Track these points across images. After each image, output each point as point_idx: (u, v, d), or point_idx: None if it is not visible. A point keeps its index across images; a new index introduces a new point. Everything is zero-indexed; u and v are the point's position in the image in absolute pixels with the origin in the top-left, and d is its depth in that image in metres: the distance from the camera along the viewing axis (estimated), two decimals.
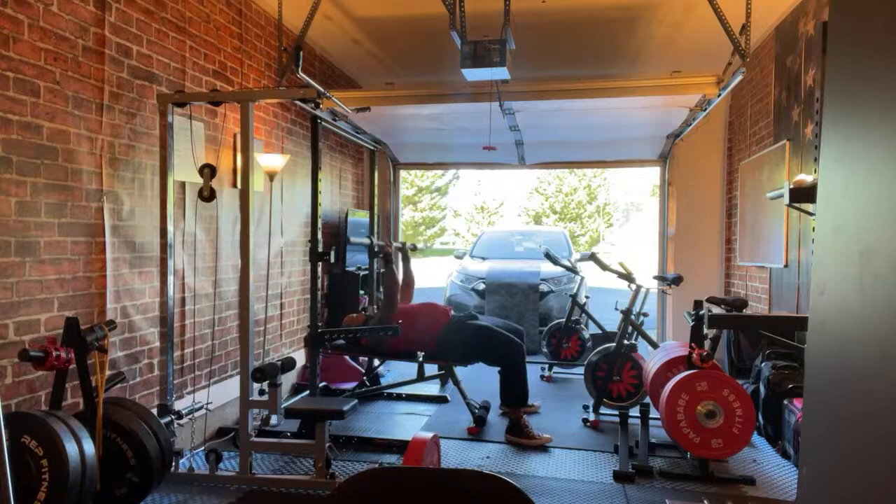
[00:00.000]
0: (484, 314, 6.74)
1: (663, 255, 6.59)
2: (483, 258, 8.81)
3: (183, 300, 3.74)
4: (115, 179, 3.18)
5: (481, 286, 7.69)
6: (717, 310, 4.16)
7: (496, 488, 1.18)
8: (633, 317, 4.66)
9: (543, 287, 7.54)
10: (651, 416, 4.02)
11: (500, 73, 3.54)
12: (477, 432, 4.16)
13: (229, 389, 4.11)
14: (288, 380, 5.08)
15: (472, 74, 3.58)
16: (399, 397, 4.98)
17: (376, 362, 5.23)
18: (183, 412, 3.38)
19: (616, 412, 4.27)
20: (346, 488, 1.24)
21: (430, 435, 2.58)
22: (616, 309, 4.82)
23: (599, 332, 5.79)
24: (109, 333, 2.75)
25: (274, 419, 3.29)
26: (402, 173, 9.01)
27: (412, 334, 4.29)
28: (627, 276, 4.87)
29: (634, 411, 4.24)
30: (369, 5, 4.77)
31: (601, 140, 5.85)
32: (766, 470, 3.52)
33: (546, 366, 5.94)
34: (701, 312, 3.58)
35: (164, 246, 3.42)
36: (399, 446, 3.80)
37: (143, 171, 3.40)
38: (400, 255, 5.26)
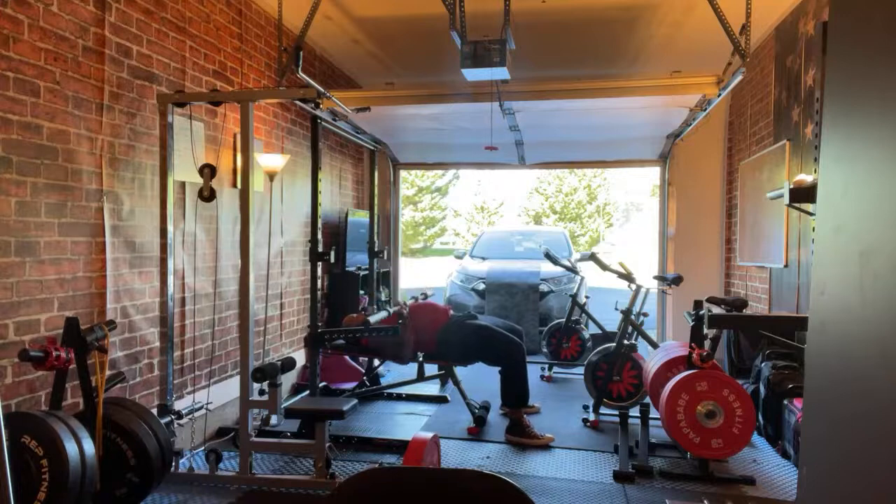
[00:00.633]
0: (484, 314, 6.74)
1: (663, 255, 6.59)
2: (483, 258, 8.81)
3: (183, 300, 3.74)
4: (115, 179, 3.18)
5: (481, 286, 7.69)
6: (717, 310, 4.16)
7: (496, 488, 1.18)
8: (633, 317, 4.66)
9: (543, 287, 7.54)
10: (651, 416, 4.02)
11: (500, 73, 3.54)
12: (477, 432, 4.15)
13: (229, 389, 4.11)
14: (288, 380, 5.08)
15: (472, 74, 3.58)
16: (399, 397, 4.98)
17: (376, 362, 5.23)
18: (183, 412, 3.37)
19: (616, 412, 4.27)
20: (346, 488, 1.24)
21: (430, 435, 2.58)
22: (616, 309, 4.82)
23: (599, 332, 5.79)
24: (109, 333, 2.75)
25: (274, 419, 3.29)
26: (402, 173, 9.01)
27: (412, 334, 4.28)
28: (627, 276, 4.87)
29: (634, 411, 4.24)
30: (369, 5, 4.77)
31: (601, 140, 5.85)
32: (766, 470, 3.52)
33: (546, 366, 5.94)
34: (701, 312, 3.58)
35: (164, 246, 3.42)
36: (399, 446, 3.80)
37: (143, 171, 3.40)
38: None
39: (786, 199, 3.32)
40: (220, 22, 4.09)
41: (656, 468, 3.52)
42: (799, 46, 4.37)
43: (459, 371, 4.51)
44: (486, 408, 4.45)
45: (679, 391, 3.37)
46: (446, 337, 4.25)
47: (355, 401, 3.35)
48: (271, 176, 4.58)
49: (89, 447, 2.36)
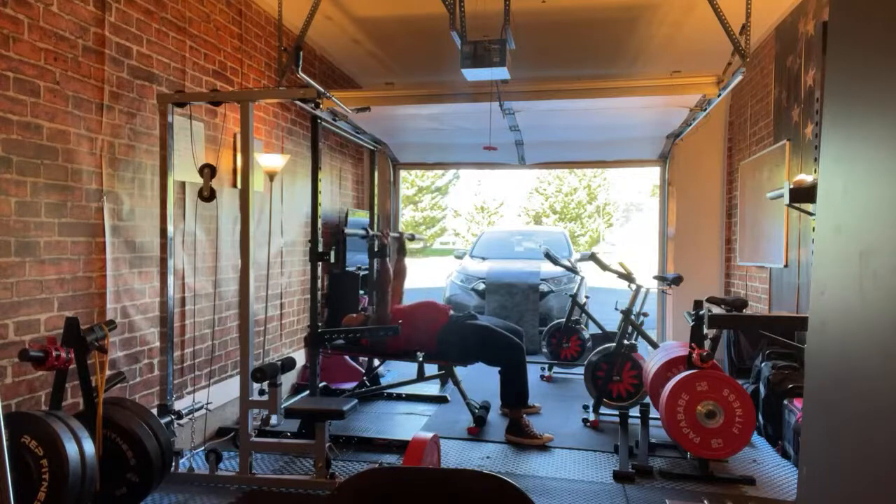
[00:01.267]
0: (484, 314, 6.74)
1: (663, 255, 6.59)
2: (483, 258, 8.81)
3: (183, 300, 3.74)
4: (115, 179, 3.18)
5: (481, 286, 7.69)
6: (717, 310, 4.16)
7: (496, 488, 1.18)
8: (633, 317, 4.66)
9: (543, 287, 7.54)
10: (651, 416, 4.02)
11: (500, 73, 3.54)
12: (477, 432, 4.16)
13: (229, 389, 4.11)
14: (288, 380, 5.08)
15: (472, 74, 3.58)
16: (399, 397, 4.98)
17: (376, 362, 5.23)
18: (183, 412, 3.38)
19: (616, 412, 4.27)
20: (346, 488, 1.24)
21: (430, 435, 2.57)
22: (616, 309, 4.82)
23: (599, 332, 5.79)
24: (109, 333, 2.75)
25: (274, 419, 3.29)
26: (402, 173, 9.01)
27: (412, 334, 4.29)
28: (627, 276, 4.87)
29: (634, 411, 4.25)
30: (369, 5, 4.77)
31: (601, 140, 5.85)
32: (766, 470, 3.52)
33: (546, 366, 5.94)
34: (701, 312, 3.58)
35: (164, 246, 3.42)
36: (399, 446, 3.80)
37: (143, 171, 3.40)
38: (395, 245, 5.22)
39: (786, 199, 3.32)
40: (220, 22, 4.09)
41: (656, 468, 3.52)
42: (799, 46, 4.37)
43: (459, 371, 4.51)
44: (486, 408, 4.45)
45: (679, 391, 3.37)
46: (446, 337, 4.25)
47: (355, 401, 3.35)
48: (271, 176, 4.58)
49: (89, 447, 2.36)
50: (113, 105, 3.15)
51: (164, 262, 3.42)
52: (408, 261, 5.16)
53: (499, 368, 4.15)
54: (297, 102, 4.50)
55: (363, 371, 5.23)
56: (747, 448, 3.67)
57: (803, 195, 3.24)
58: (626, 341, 4.55)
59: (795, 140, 4.36)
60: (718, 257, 6.41)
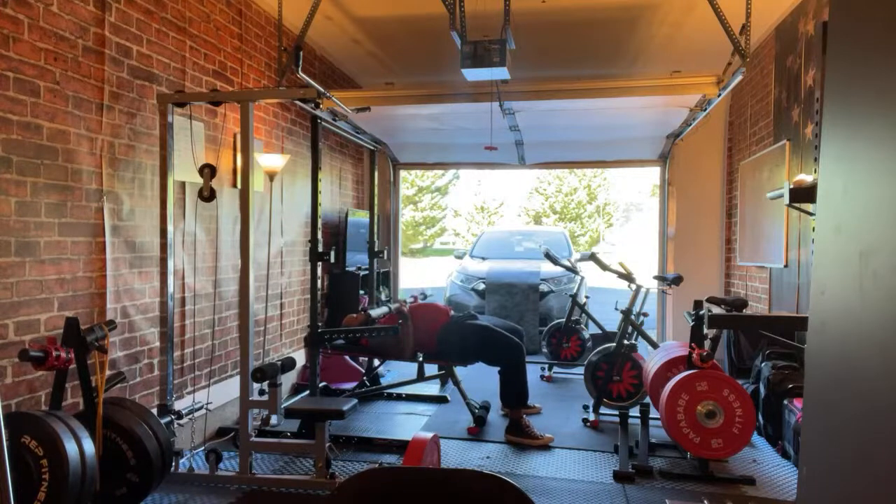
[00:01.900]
0: (484, 314, 6.74)
1: (663, 255, 6.59)
2: (483, 258, 8.81)
3: (183, 300, 3.74)
4: (115, 179, 3.18)
5: (481, 286, 7.69)
6: (717, 310, 4.16)
7: (496, 488, 1.18)
8: (633, 317, 4.66)
9: (543, 287, 7.54)
10: (651, 416, 4.02)
11: (500, 73, 3.54)
12: (477, 432, 4.16)
13: (229, 389, 4.11)
14: (288, 380, 5.08)
15: (472, 74, 3.58)
16: (399, 397, 4.98)
17: (376, 362, 5.23)
18: (183, 412, 3.37)
19: (616, 412, 4.27)
20: (346, 488, 1.24)
21: (430, 435, 2.57)
22: (616, 309, 4.81)
23: (599, 332, 5.79)
24: (109, 333, 2.75)
25: (274, 419, 3.29)
26: (402, 173, 9.01)
27: (412, 334, 4.28)
28: (627, 276, 4.87)
29: (634, 411, 4.24)
30: (369, 5, 4.77)
31: (601, 140, 5.85)
32: (766, 470, 3.52)
33: (546, 366, 5.94)
34: (701, 312, 3.58)
35: (164, 246, 3.42)
36: (399, 446, 3.80)
37: (143, 171, 3.40)
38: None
39: (786, 199, 3.32)
40: (220, 22, 4.09)
41: (656, 468, 3.52)
42: (799, 46, 4.37)
43: (459, 371, 4.51)
44: (486, 408, 4.45)
45: (679, 391, 3.37)
46: (446, 337, 4.25)
47: (355, 401, 3.35)
48: (271, 176, 4.59)
49: (89, 447, 2.36)
50: (113, 105, 3.15)
51: (164, 262, 3.42)
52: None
53: (499, 368, 4.15)
54: (297, 102, 4.50)
55: (363, 371, 5.23)
56: (747, 448, 3.67)
57: (803, 195, 3.24)
58: (626, 341, 4.55)
59: (795, 140, 4.36)
60: (718, 257, 6.41)
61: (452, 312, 4.52)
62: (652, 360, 4.10)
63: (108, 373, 2.78)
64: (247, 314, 3.31)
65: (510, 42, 3.50)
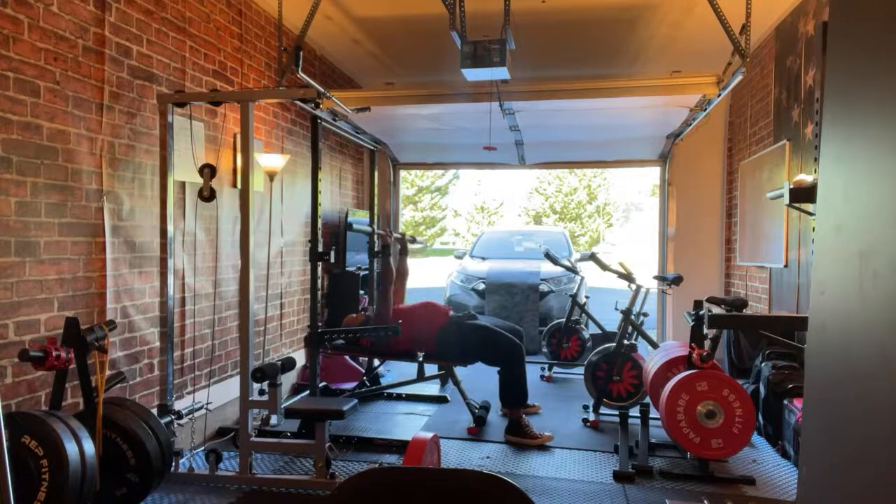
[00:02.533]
0: (484, 314, 6.74)
1: (663, 255, 6.59)
2: (483, 258, 8.81)
3: (183, 300, 3.74)
4: (115, 179, 3.18)
5: (481, 286, 7.69)
6: (717, 310, 4.16)
7: (496, 488, 1.18)
8: (633, 317, 4.66)
9: (543, 287, 7.54)
10: (651, 416, 4.01)
11: (500, 73, 3.54)
12: (477, 432, 4.16)
13: (229, 389, 4.11)
14: (288, 380, 5.08)
15: (472, 74, 3.58)
16: (399, 397, 4.98)
17: (376, 362, 5.23)
18: (183, 412, 3.38)
19: (616, 412, 4.27)
20: (346, 488, 1.24)
21: (430, 435, 2.58)
22: (616, 309, 4.81)
23: (599, 332, 5.79)
24: (109, 333, 2.75)
25: (274, 419, 3.29)
26: (402, 173, 9.01)
27: (412, 334, 4.29)
28: (627, 276, 4.87)
29: (634, 411, 4.24)
30: (369, 5, 4.77)
31: (601, 140, 5.84)
32: (766, 470, 3.52)
33: (546, 366, 5.94)
34: (701, 312, 3.58)
35: (164, 246, 3.42)
36: (399, 446, 3.80)
37: (143, 171, 3.40)
38: (398, 247, 5.19)
39: (786, 199, 3.32)
40: (220, 22, 4.09)
41: (656, 468, 3.52)
42: (799, 46, 4.37)
43: (459, 371, 4.51)
44: (486, 408, 4.45)
45: (679, 391, 3.37)
46: (446, 337, 4.25)
47: (355, 401, 3.35)
48: (271, 176, 4.59)
49: (89, 447, 2.36)
50: (113, 105, 3.15)
51: (164, 262, 3.42)
52: (409, 261, 5.15)
53: (498, 368, 4.15)
54: (297, 102, 4.50)
55: (363, 371, 5.23)
56: (747, 448, 3.67)
57: (803, 195, 3.24)
58: (626, 341, 4.55)
59: (795, 140, 4.36)
60: (718, 257, 6.41)
61: (452, 312, 4.52)
62: (652, 360, 4.10)
63: (108, 373, 2.78)
64: (247, 314, 3.31)
65: (510, 42, 3.50)
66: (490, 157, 5.97)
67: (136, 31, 3.31)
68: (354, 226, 5.13)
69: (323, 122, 4.41)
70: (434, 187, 34.59)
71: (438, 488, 1.23)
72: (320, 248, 4.15)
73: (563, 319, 6.03)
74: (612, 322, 5.33)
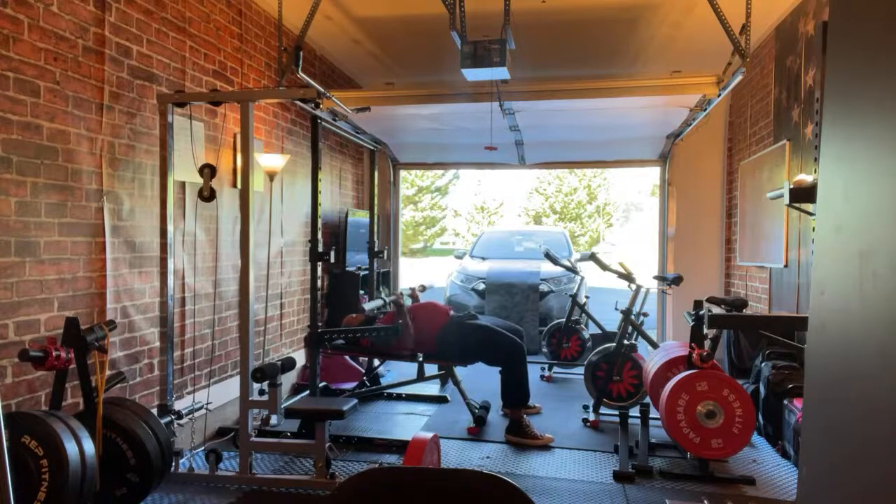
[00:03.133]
0: (484, 314, 6.74)
1: (663, 255, 6.59)
2: (483, 258, 8.81)
3: (183, 300, 3.74)
4: (115, 179, 3.18)
5: (481, 286, 7.69)
6: (717, 310, 4.16)
7: (496, 488, 1.18)
8: (633, 317, 4.66)
9: (543, 287, 7.54)
10: (651, 416, 4.01)
11: (500, 73, 3.54)
12: (477, 432, 4.15)
13: (229, 389, 4.11)
14: (288, 380, 5.08)
15: (472, 74, 3.58)
16: (399, 397, 4.98)
17: (376, 362, 5.23)
18: (183, 412, 3.38)
19: (616, 412, 4.27)
20: (346, 488, 1.24)
21: (430, 435, 2.58)
22: (616, 309, 4.81)
23: (599, 332, 5.78)
24: (109, 333, 2.75)
25: (274, 419, 3.29)
26: (402, 173, 9.01)
27: (412, 334, 4.28)
28: (627, 276, 4.87)
29: (634, 411, 4.24)
30: (369, 5, 4.77)
31: (601, 140, 5.85)
32: (766, 470, 3.52)
33: (546, 366, 5.94)
34: (701, 312, 3.58)
35: (164, 246, 3.42)
36: (399, 446, 3.80)
37: (143, 171, 3.40)
38: (410, 302, 4.98)
39: (786, 199, 3.32)
40: (220, 22, 4.09)
41: (656, 468, 3.52)
42: (799, 46, 4.37)
43: (459, 371, 4.50)
44: (486, 408, 4.45)
45: (679, 391, 3.37)
46: (446, 337, 4.25)
47: (355, 401, 3.35)
48: (271, 176, 4.59)
49: (89, 447, 2.36)
50: (113, 105, 3.15)
51: (164, 262, 3.42)
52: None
53: (499, 368, 4.15)
54: (297, 102, 4.50)
55: (363, 371, 5.23)
56: (747, 448, 3.67)
57: (803, 195, 3.24)
58: (626, 341, 4.55)
59: (795, 140, 4.36)
60: (718, 257, 6.41)
61: (452, 312, 4.52)
62: (652, 360, 4.10)
63: (108, 373, 2.78)
64: (247, 314, 3.31)
65: (510, 42, 3.50)
66: (490, 157, 5.97)
67: (136, 31, 3.31)
68: (367, 308, 4.60)
69: (323, 122, 4.41)
70: (434, 187, 34.59)
71: (438, 488, 1.23)
72: (320, 248, 4.15)
73: (563, 319, 6.03)
74: (612, 322, 5.33)
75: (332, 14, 4.89)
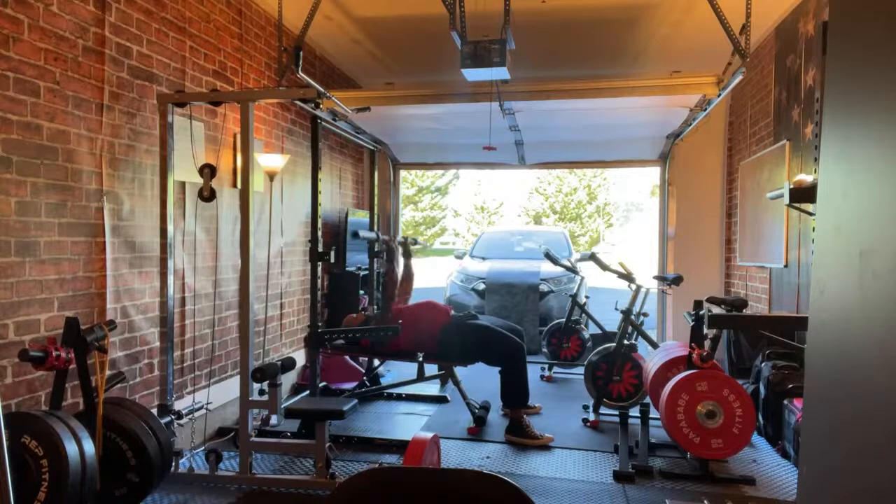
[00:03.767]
0: (484, 314, 6.73)
1: (663, 255, 6.59)
2: (483, 258, 8.82)
3: (183, 300, 3.74)
4: (115, 179, 3.18)
5: (481, 286, 7.69)
6: (717, 310, 4.15)
7: (496, 488, 1.18)
8: (633, 317, 4.66)
9: (543, 287, 7.54)
10: (651, 416, 4.02)
11: (500, 73, 3.54)
12: (477, 432, 4.15)
13: (229, 389, 4.11)
14: (288, 380, 5.08)
15: (472, 74, 3.58)
16: (399, 397, 4.98)
17: (376, 362, 5.23)
18: (183, 412, 3.38)
19: (616, 412, 4.27)
20: (346, 488, 1.24)
21: (430, 435, 2.57)
22: (616, 309, 4.81)
23: (599, 332, 5.78)
24: (109, 333, 2.75)
25: (274, 419, 3.29)
26: (402, 173, 9.01)
27: (412, 334, 4.29)
28: (627, 276, 4.87)
29: (634, 411, 4.24)
30: (369, 5, 4.77)
31: (601, 140, 5.85)
32: (766, 470, 3.52)
33: (546, 366, 5.94)
34: (701, 312, 3.58)
35: (164, 246, 3.42)
36: (399, 446, 3.80)
37: (143, 171, 3.40)
38: (401, 250, 5.20)
39: (786, 199, 3.32)
40: (220, 22, 4.09)
41: (656, 468, 3.52)
42: (799, 46, 4.37)
43: (459, 371, 4.50)
44: (486, 408, 4.45)
45: (679, 391, 3.37)
46: (446, 337, 4.25)
47: (355, 401, 3.35)
48: (271, 176, 4.58)
49: (89, 447, 2.36)
50: (113, 105, 3.15)
51: (164, 262, 3.42)
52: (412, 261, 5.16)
53: (499, 368, 4.15)
54: (297, 102, 4.50)
55: (363, 371, 5.23)
56: (747, 448, 3.67)
57: (803, 195, 3.24)
58: (626, 341, 4.55)
59: (795, 140, 4.36)
60: (718, 257, 6.41)
61: (452, 312, 4.52)
62: (652, 360, 4.10)
63: (108, 373, 2.78)
64: (247, 314, 3.31)
65: (510, 42, 3.50)
66: (490, 157, 5.97)
67: (136, 31, 3.31)
68: (360, 234, 5.15)
69: (323, 122, 4.41)
70: (434, 187, 34.59)
71: (438, 488, 1.23)
72: (320, 248, 4.15)
73: (563, 319, 6.03)
74: (612, 322, 5.33)
75: (332, 14, 4.89)
